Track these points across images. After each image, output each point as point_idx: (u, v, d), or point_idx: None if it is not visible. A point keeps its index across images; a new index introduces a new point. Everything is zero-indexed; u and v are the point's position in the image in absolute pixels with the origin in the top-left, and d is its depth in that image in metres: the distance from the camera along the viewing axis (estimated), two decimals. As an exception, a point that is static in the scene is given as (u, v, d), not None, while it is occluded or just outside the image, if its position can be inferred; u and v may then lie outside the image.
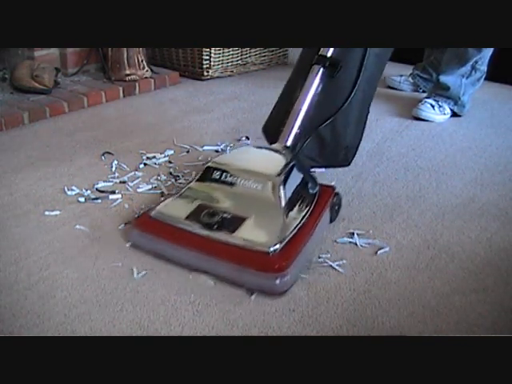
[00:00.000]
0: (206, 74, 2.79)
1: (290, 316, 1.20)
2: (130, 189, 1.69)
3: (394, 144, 2.10)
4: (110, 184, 1.72)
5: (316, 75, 1.47)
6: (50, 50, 2.48)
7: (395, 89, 2.73)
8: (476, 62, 2.25)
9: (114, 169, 1.82)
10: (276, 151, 1.43)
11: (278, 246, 1.24)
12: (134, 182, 1.73)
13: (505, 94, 2.75)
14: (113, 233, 1.47)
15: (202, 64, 2.77)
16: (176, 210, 1.37)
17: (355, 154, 1.58)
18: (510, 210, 1.67)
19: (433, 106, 2.33)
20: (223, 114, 2.37)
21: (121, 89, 2.50)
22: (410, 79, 2.70)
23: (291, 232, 1.29)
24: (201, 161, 1.89)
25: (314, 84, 1.47)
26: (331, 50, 1.49)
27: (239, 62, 2.90)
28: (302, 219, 1.34)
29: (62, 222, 1.51)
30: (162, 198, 1.58)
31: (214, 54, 2.76)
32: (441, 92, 2.34)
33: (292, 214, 1.33)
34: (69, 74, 2.55)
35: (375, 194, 1.73)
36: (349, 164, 1.58)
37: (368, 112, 1.58)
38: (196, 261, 1.30)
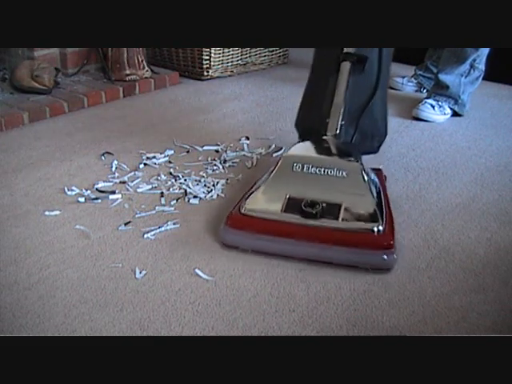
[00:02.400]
0: (206, 74, 2.78)
1: (290, 316, 1.20)
2: (129, 189, 1.69)
3: (394, 144, 2.10)
4: (110, 184, 1.72)
5: (348, 71, 1.57)
6: (50, 49, 2.48)
7: (398, 90, 2.73)
8: (474, 60, 2.25)
9: (114, 169, 1.82)
10: (333, 140, 1.51)
11: (381, 227, 1.35)
12: (134, 182, 1.73)
13: (505, 94, 2.74)
14: (113, 233, 1.47)
15: (202, 64, 2.77)
16: (266, 204, 1.43)
17: (384, 140, 1.71)
18: (510, 209, 1.67)
19: (433, 107, 2.32)
20: (223, 113, 2.37)
21: (121, 89, 2.50)
22: (413, 79, 2.70)
23: (383, 212, 1.40)
24: (201, 161, 1.89)
25: (344, 79, 1.56)
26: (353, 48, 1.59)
27: (239, 61, 2.90)
28: (381, 200, 1.46)
29: (61, 222, 1.51)
30: (162, 197, 1.59)
31: (214, 54, 2.76)
32: (440, 91, 2.34)
33: (375, 196, 1.43)
34: (69, 73, 2.55)
35: (375, 194, 1.72)
36: (377, 151, 1.72)
37: (387, 101, 1.71)
38: (305, 250, 1.37)
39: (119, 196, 1.64)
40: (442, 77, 2.32)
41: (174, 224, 1.52)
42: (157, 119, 2.29)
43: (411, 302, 1.26)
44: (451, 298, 1.28)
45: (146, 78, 2.60)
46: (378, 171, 1.67)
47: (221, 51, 2.79)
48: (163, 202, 1.62)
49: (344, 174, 1.40)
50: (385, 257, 1.34)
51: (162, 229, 1.50)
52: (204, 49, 2.72)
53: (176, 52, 2.85)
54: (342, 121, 1.54)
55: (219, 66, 2.82)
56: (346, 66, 1.57)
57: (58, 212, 1.56)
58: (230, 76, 2.88)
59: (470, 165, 1.96)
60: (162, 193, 1.67)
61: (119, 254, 1.39)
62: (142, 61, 2.58)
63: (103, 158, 1.90)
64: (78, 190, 1.67)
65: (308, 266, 1.37)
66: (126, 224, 1.51)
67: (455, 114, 2.36)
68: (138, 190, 1.69)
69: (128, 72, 2.54)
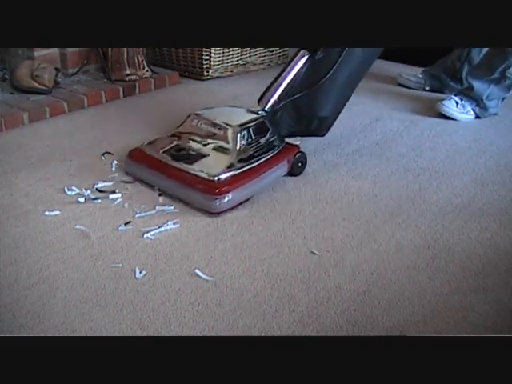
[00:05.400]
0: (206, 74, 2.78)
1: (290, 316, 1.20)
2: (129, 188, 1.69)
3: (394, 144, 2.10)
4: (110, 184, 1.72)
5: (301, 57, 1.74)
6: (50, 49, 2.47)
7: (405, 86, 2.75)
8: (504, 70, 2.29)
9: (113, 169, 1.82)
10: (250, 111, 1.77)
11: (221, 177, 1.57)
12: (134, 182, 1.73)
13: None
14: (113, 233, 1.47)
15: (202, 64, 2.77)
16: (158, 145, 1.74)
17: (330, 127, 1.89)
18: (510, 209, 1.67)
19: (456, 104, 2.36)
20: (223, 113, 2.36)
21: (121, 89, 2.50)
22: (419, 74, 2.73)
23: (238, 169, 1.61)
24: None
25: (298, 63, 1.75)
26: None
27: (239, 61, 2.89)
28: (253, 164, 1.65)
29: (61, 222, 1.51)
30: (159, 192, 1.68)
31: (214, 54, 2.76)
32: (466, 92, 2.39)
33: (244, 157, 1.65)
34: (69, 73, 2.54)
35: (375, 194, 1.73)
36: (323, 135, 1.91)
37: (350, 95, 1.88)
38: (162, 183, 1.66)
39: (119, 195, 1.64)
40: (471, 80, 2.38)
41: (174, 224, 1.52)
42: (157, 119, 2.28)
43: (411, 302, 1.26)
44: (451, 298, 1.28)
45: (146, 77, 2.59)
46: (290, 146, 1.81)
47: (221, 51, 2.78)
48: (160, 200, 1.63)
49: (222, 133, 1.67)
50: (216, 203, 1.55)
51: (162, 229, 1.50)
52: (204, 49, 2.72)
53: (176, 52, 2.84)
54: (277, 98, 1.76)
55: (219, 66, 2.82)
56: (300, 53, 1.75)
57: (57, 212, 1.55)
58: (229, 76, 2.88)
59: (469, 165, 1.96)
60: (160, 194, 1.67)
61: (119, 254, 1.39)
62: (142, 61, 2.58)
63: (103, 158, 1.89)
64: (77, 190, 1.67)
65: (308, 266, 1.37)
66: (126, 224, 1.51)
67: (477, 116, 2.39)
68: (138, 190, 1.69)
69: (128, 72, 2.54)
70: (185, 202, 1.61)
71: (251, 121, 1.71)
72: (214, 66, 2.79)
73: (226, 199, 1.56)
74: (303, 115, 1.84)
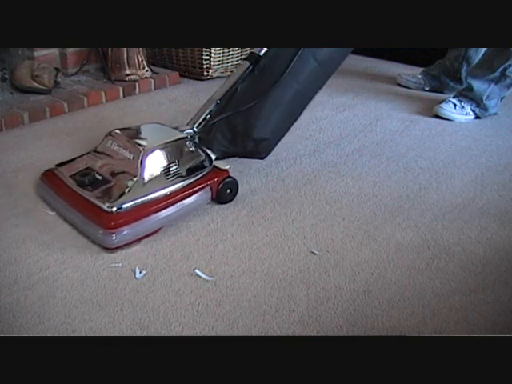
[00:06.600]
0: (206, 73, 2.78)
1: (290, 316, 1.20)
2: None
3: (394, 144, 2.10)
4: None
5: (241, 70, 1.64)
6: (50, 49, 2.47)
7: (405, 86, 2.74)
8: (505, 69, 2.28)
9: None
10: (176, 129, 1.59)
11: (121, 206, 1.39)
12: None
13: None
14: (113, 233, 1.47)
15: (202, 64, 2.77)
16: (70, 168, 1.56)
17: (270, 150, 1.71)
18: (510, 209, 1.67)
19: (455, 106, 2.36)
20: (223, 113, 2.36)
21: (121, 89, 2.50)
22: (418, 75, 2.72)
23: (144, 197, 1.43)
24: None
25: (236, 77, 1.64)
26: (264, 49, 1.65)
27: (239, 62, 2.89)
28: (164, 190, 1.47)
29: (61, 222, 1.51)
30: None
31: (214, 54, 2.76)
32: (465, 92, 2.38)
33: (154, 184, 1.46)
34: (69, 73, 2.54)
35: (375, 194, 1.73)
36: (262, 158, 1.72)
37: (298, 115, 1.70)
38: (65, 211, 1.49)
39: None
40: (470, 80, 2.37)
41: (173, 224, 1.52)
42: (157, 119, 2.28)
43: (411, 301, 1.26)
44: (451, 298, 1.28)
45: (146, 77, 2.59)
46: (218, 171, 1.60)
47: (221, 51, 2.78)
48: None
49: (131, 156, 1.48)
50: (112, 237, 1.37)
51: (162, 229, 1.49)
52: (204, 49, 2.72)
53: (176, 52, 2.85)
54: (207, 115, 1.61)
55: (219, 66, 2.82)
56: (242, 65, 1.65)
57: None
58: (229, 76, 2.87)
59: (470, 165, 1.96)
60: None
61: (119, 254, 1.39)
62: (141, 61, 2.58)
63: (103, 157, 1.89)
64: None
65: (308, 266, 1.37)
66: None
67: (477, 116, 2.38)
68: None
69: (128, 72, 2.54)
70: (83, 234, 1.45)
71: (170, 142, 1.52)
72: (213, 65, 2.79)
73: (124, 233, 1.38)
74: (238, 135, 1.65)
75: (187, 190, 1.51)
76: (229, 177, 1.61)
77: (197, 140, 1.61)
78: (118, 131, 1.58)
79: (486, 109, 2.37)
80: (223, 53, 2.80)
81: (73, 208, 1.45)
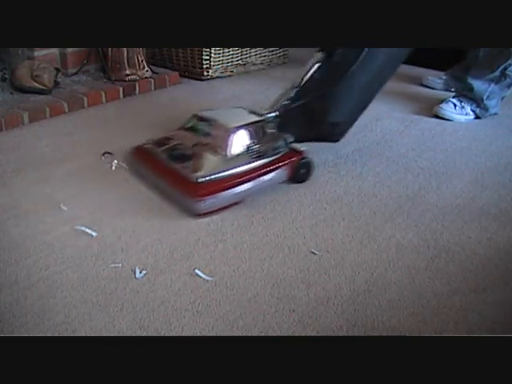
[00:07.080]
0: (206, 73, 2.78)
1: (290, 316, 1.20)
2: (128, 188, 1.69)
3: (394, 144, 2.10)
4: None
5: (316, 59, 1.71)
6: (50, 49, 2.47)
7: (429, 87, 2.77)
8: (505, 68, 2.28)
9: (113, 169, 1.82)
10: (254, 112, 1.72)
11: (205, 179, 1.54)
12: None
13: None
14: (113, 232, 1.47)
15: (202, 64, 2.77)
16: (159, 143, 1.74)
17: (344, 133, 1.84)
18: (510, 210, 1.67)
19: (455, 106, 2.36)
20: (223, 113, 2.36)
21: (121, 89, 2.50)
22: (443, 76, 2.73)
23: (226, 171, 1.57)
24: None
25: (313, 67, 1.71)
26: None
27: (239, 62, 2.90)
28: (245, 166, 1.61)
29: (61, 222, 1.51)
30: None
31: (214, 54, 2.76)
32: (465, 92, 2.38)
33: (237, 160, 1.61)
34: (69, 73, 2.55)
35: (375, 194, 1.73)
36: (337, 141, 1.86)
37: (370, 101, 1.83)
38: (156, 181, 1.66)
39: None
40: (470, 80, 2.36)
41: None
42: (157, 119, 2.28)
43: (411, 301, 1.26)
44: (451, 298, 1.28)
45: (146, 78, 2.59)
46: (294, 151, 1.74)
47: (221, 51, 2.79)
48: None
49: (217, 133, 1.64)
50: (198, 204, 1.53)
51: (162, 228, 1.50)
52: (204, 49, 2.72)
53: (176, 52, 2.85)
54: (286, 101, 1.72)
55: (219, 66, 2.82)
56: (316, 56, 1.73)
57: (57, 212, 1.55)
58: (229, 76, 2.88)
59: (470, 165, 1.96)
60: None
61: (119, 254, 1.39)
62: (142, 61, 2.58)
63: (103, 158, 1.89)
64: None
65: (308, 266, 1.37)
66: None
67: (477, 116, 2.38)
68: (140, 191, 1.69)
69: (128, 72, 2.54)
70: (171, 201, 1.60)
71: (250, 123, 1.66)
72: (214, 65, 2.79)
73: (209, 201, 1.53)
74: (314, 120, 1.77)
75: (266, 168, 1.66)
76: (305, 157, 1.76)
77: (276, 123, 1.72)
78: (204, 112, 1.75)
79: (486, 109, 2.36)
80: (223, 53, 2.80)
81: (164, 179, 1.62)
